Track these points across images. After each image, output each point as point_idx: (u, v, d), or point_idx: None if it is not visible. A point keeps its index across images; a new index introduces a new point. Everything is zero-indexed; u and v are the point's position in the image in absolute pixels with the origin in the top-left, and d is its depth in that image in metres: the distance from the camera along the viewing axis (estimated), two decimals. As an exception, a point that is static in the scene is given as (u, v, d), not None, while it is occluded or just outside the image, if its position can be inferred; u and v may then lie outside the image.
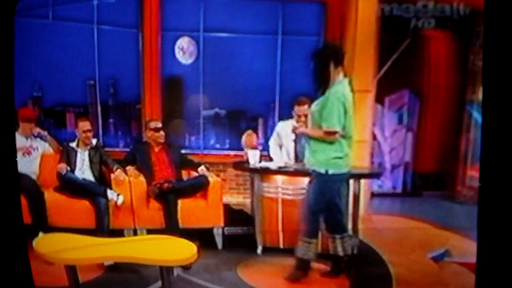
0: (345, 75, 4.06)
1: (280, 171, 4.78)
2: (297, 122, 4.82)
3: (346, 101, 3.94)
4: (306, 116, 4.63)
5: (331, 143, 3.94)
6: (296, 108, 4.93)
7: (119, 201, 4.64)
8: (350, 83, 4.07)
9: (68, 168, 4.86)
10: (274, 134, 5.32)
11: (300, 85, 6.23)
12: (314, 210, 4.13)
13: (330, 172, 3.97)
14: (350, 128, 4.02)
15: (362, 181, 5.13)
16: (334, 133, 3.90)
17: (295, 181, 4.74)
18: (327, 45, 4.25)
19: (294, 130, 4.44)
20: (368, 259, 4.78)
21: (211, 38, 6.43)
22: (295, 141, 5.03)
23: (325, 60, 3.98)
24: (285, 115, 5.74)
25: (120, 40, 6.25)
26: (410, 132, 7.63)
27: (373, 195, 6.77)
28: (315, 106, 4.06)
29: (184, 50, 6.42)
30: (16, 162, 2.44)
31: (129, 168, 5.01)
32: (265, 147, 5.73)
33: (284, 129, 5.15)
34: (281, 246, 4.77)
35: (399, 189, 7.59)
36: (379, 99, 7.18)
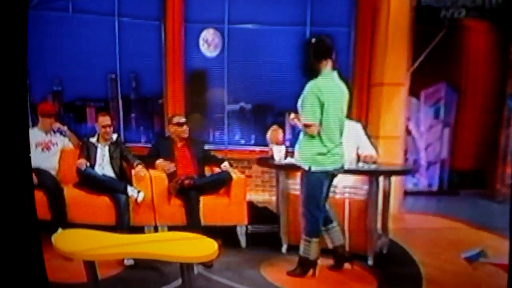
0: (333, 68, 4.06)
1: None
2: None
3: (321, 94, 3.94)
4: None
5: (313, 138, 4.01)
6: None
7: (140, 198, 4.73)
8: (340, 76, 4.10)
9: (88, 164, 4.96)
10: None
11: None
12: (306, 207, 4.18)
13: (313, 169, 4.05)
14: (330, 122, 4.03)
15: (394, 178, 5.17)
16: (310, 125, 3.98)
17: None
18: (313, 37, 4.26)
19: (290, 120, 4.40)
20: (398, 259, 4.81)
21: (236, 30, 6.54)
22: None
23: (312, 53, 4.02)
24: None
25: (142, 33, 6.39)
26: (447, 128, 7.63)
27: (407, 193, 6.76)
28: (300, 99, 4.11)
29: (209, 43, 6.52)
30: (29, 157, 2.51)
31: (160, 162, 5.08)
32: (292, 143, 5.79)
33: None
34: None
35: (435, 187, 7.61)
36: (414, 93, 7.21)
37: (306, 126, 4.02)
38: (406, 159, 7.14)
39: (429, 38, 6.34)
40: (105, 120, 5.14)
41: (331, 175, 4.18)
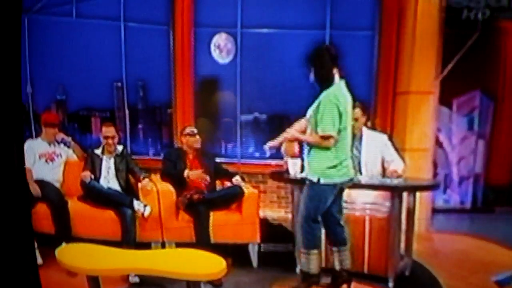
0: (341, 77, 4.39)
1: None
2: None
3: (340, 104, 4.24)
4: (356, 119, 4.95)
5: (326, 151, 4.30)
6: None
7: (146, 213, 5.03)
8: (347, 85, 4.42)
9: (92, 176, 5.27)
10: None
11: (351, 87, 6.54)
12: (305, 219, 4.44)
13: (322, 181, 4.32)
14: (345, 133, 4.34)
15: (420, 194, 5.39)
16: (329, 137, 4.24)
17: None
18: (325, 45, 4.61)
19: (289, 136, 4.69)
20: (421, 282, 5.00)
21: (250, 35, 6.77)
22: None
23: (327, 60, 4.35)
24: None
25: (149, 38, 6.69)
26: (482, 139, 7.73)
27: (435, 211, 6.92)
28: (311, 110, 4.41)
29: (221, 48, 6.78)
30: (23, 169, 2.81)
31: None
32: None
33: None
34: (323, 265, 4.87)
35: (468, 204, 7.72)
36: (446, 102, 7.35)
37: (324, 138, 4.25)
38: (436, 174, 7.29)
39: (461, 42, 6.47)
40: (108, 131, 5.45)
41: (340, 189, 4.46)
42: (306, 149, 4.55)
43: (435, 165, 7.31)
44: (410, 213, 5.12)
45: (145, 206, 5.06)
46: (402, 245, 5.10)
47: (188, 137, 5.55)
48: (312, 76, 4.39)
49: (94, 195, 5.20)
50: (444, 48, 6.51)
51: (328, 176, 4.32)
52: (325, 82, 4.33)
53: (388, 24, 6.75)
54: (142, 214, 5.04)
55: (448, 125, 7.70)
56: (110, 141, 5.45)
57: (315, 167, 4.36)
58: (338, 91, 4.30)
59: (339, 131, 4.26)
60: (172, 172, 5.43)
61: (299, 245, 4.61)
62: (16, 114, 2.59)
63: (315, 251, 4.52)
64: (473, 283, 4.90)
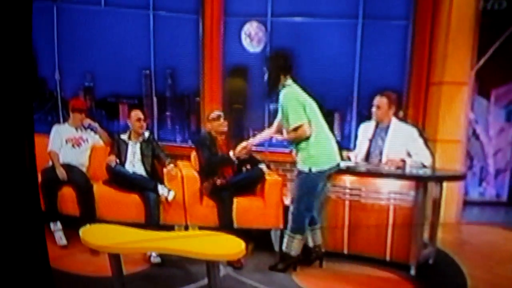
0: (294, 80, 4.90)
1: (349, 171, 5.21)
2: (372, 114, 5.45)
3: (298, 96, 4.79)
4: (378, 107, 5.39)
5: (307, 141, 4.77)
6: (377, 98, 5.43)
7: (170, 197, 5.33)
8: (293, 79, 4.90)
9: (118, 161, 5.60)
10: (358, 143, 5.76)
11: (383, 76, 6.69)
12: (298, 206, 4.88)
13: (313, 170, 4.78)
14: (318, 119, 4.86)
15: (450, 186, 5.57)
16: (299, 127, 4.72)
17: (366, 182, 5.18)
18: (275, 53, 5.04)
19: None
20: (444, 270, 5.19)
21: (281, 23, 6.91)
22: (371, 140, 5.48)
23: (275, 69, 4.86)
24: (365, 111, 6.21)
25: (179, 27, 6.87)
26: (520, 132, 7.74)
27: (469, 203, 7.02)
28: (279, 114, 4.95)
29: (252, 37, 6.94)
30: (34, 158, 3.02)
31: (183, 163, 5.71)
32: (341, 145, 6.22)
33: (363, 129, 5.63)
34: (345, 251, 5.27)
35: (504, 198, 7.79)
36: (484, 93, 7.43)
37: (296, 129, 4.73)
38: (471, 166, 7.40)
39: (499, 31, 6.54)
40: (137, 114, 5.77)
41: (328, 175, 4.93)
42: (293, 147, 4.94)
43: (470, 158, 7.41)
44: (436, 203, 5.31)
45: (169, 190, 5.36)
46: (427, 234, 5.32)
47: (213, 122, 5.79)
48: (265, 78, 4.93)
49: (119, 179, 5.52)
50: (481, 38, 6.57)
51: (317, 164, 4.78)
52: (272, 86, 4.90)
53: (423, 13, 6.79)
54: (166, 199, 5.33)
55: (485, 116, 7.73)
56: (141, 123, 5.76)
57: (304, 158, 4.82)
58: (292, 89, 4.83)
59: (309, 120, 4.76)
60: (211, 157, 5.67)
61: (287, 229, 5.01)
62: (27, 104, 2.81)
63: (299, 236, 4.96)
64: (499, 273, 5.04)
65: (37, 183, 3.06)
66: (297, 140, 4.80)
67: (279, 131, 5.11)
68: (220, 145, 5.81)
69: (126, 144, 5.75)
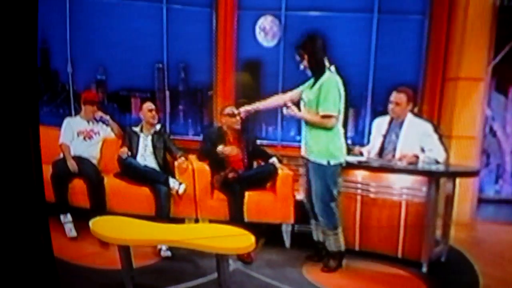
0: (330, 63, 4.85)
1: (361, 165, 5.24)
2: (389, 110, 5.44)
3: (340, 87, 4.79)
4: (397, 104, 5.35)
5: (329, 132, 4.77)
6: (393, 94, 5.42)
7: (181, 190, 5.40)
8: (337, 69, 4.86)
9: (129, 153, 5.67)
10: (372, 138, 5.76)
11: (398, 72, 6.71)
12: (327, 202, 4.88)
13: (332, 163, 4.80)
14: (342, 115, 4.88)
15: (464, 183, 5.58)
16: (331, 117, 4.72)
17: (378, 178, 5.21)
18: (317, 34, 5.02)
19: (286, 112, 5.04)
20: (456, 268, 5.22)
21: (295, 17, 6.97)
22: (385, 135, 5.49)
23: (321, 48, 4.84)
24: (380, 107, 6.24)
25: (192, 20, 6.95)
26: (539, 129, 7.73)
27: (485, 201, 7.03)
28: (308, 95, 4.88)
29: (266, 31, 7.01)
30: (39, 149, 3.04)
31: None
32: (355, 141, 6.25)
33: (377, 125, 5.64)
34: (357, 248, 5.30)
35: (521, 196, 7.71)
36: (501, 89, 7.42)
37: (326, 117, 4.73)
38: (488, 163, 7.40)
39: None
40: (149, 105, 5.88)
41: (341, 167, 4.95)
42: (305, 133, 4.95)
43: (487, 155, 7.42)
44: (449, 199, 5.34)
45: (180, 184, 5.43)
46: (439, 231, 5.35)
47: (228, 117, 5.84)
48: (305, 63, 4.84)
49: (130, 171, 5.60)
50: (498, 33, 6.60)
51: (336, 157, 4.82)
52: (319, 68, 4.81)
53: (439, 7, 6.82)
54: (177, 192, 5.40)
55: (503, 113, 7.73)
56: (152, 113, 5.86)
57: (321, 150, 4.81)
58: (336, 76, 4.81)
59: (339, 112, 4.77)
60: (210, 151, 5.73)
61: (325, 227, 4.98)
62: (31, 96, 2.85)
63: (340, 228, 4.97)
64: (511, 271, 5.08)
65: (42, 175, 3.10)
66: (317, 126, 4.81)
67: (292, 101, 5.06)
68: (230, 141, 5.87)
69: (138, 136, 5.84)
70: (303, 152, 4.99)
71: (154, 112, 5.87)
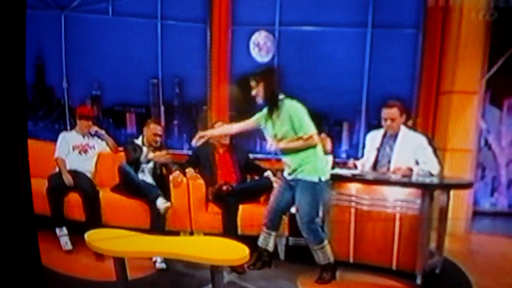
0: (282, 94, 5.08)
1: (355, 178, 5.34)
2: (384, 126, 5.55)
3: (302, 108, 4.98)
4: (392, 119, 5.44)
5: (313, 149, 4.95)
6: (384, 111, 5.52)
7: (161, 209, 5.46)
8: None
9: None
10: (365, 151, 5.85)
11: (391, 86, 6.82)
12: (311, 218, 5.00)
13: (323, 179, 4.95)
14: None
15: (460, 195, 5.69)
16: (312, 136, 4.91)
17: (372, 191, 5.28)
18: (270, 67, 5.30)
19: (270, 147, 5.22)
20: (451, 280, 5.31)
21: (289, 32, 7.08)
22: (379, 149, 5.59)
23: (272, 83, 5.08)
24: (374, 120, 6.35)
25: (186, 36, 7.05)
26: (534, 142, 7.80)
27: (481, 213, 7.11)
28: (277, 128, 5.05)
29: (260, 46, 7.09)
30: (27, 162, 3.12)
31: (189, 170, 5.83)
32: (349, 154, 6.35)
33: (371, 138, 5.74)
34: (351, 260, 5.38)
35: (516, 209, 7.76)
36: (496, 102, 7.50)
37: (309, 139, 4.91)
38: (483, 176, 7.48)
39: (509, 40, 6.71)
40: (157, 128, 6.03)
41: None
42: (290, 154, 5.05)
43: (482, 168, 7.51)
44: (443, 211, 5.41)
45: (165, 203, 5.50)
46: (434, 243, 5.42)
47: None
48: (258, 92, 5.07)
49: (127, 181, 5.69)
50: (492, 46, 6.71)
51: (325, 173, 4.99)
52: (273, 99, 5.04)
53: (433, 21, 6.94)
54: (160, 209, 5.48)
55: (497, 126, 7.78)
56: (157, 138, 6.00)
57: (311, 169, 4.95)
58: (293, 101, 5.03)
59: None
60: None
61: (311, 243, 5.07)
62: (19, 110, 2.93)
63: (326, 241, 5.08)
64: (507, 283, 5.15)
65: (30, 188, 3.17)
66: (302, 148, 4.93)
67: (242, 131, 5.39)
68: (220, 154, 6.06)
69: (141, 149, 5.91)
70: (288, 172, 5.11)
71: (158, 138, 6.02)
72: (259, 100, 5.07)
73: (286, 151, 5.04)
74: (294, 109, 4.94)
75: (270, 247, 5.31)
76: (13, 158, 2.94)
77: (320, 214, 5.22)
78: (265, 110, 5.09)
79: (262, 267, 5.31)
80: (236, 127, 5.42)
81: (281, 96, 5.01)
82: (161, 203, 5.49)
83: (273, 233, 5.29)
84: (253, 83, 5.07)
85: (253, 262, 5.21)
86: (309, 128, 4.91)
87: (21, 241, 3.10)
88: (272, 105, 5.02)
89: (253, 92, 5.06)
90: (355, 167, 5.63)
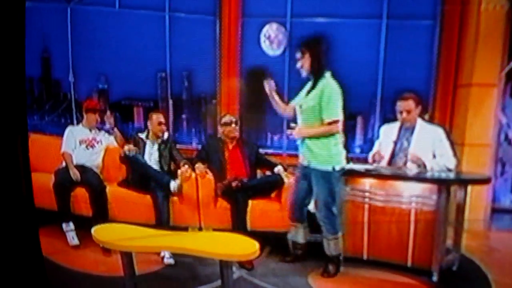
0: (328, 69, 5.07)
1: (370, 173, 5.37)
2: (399, 119, 5.62)
3: (339, 91, 5.03)
4: (408, 112, 5.52)
5: (331, 139, 5.02)
6: (399, 103, 5.59)
7: (172, 188, 5.64)
8: (333, 76, 5.09)
9: (136, 150, 5.94)
10: (378, 141, 5.93)
11: (407, 78, 6.82)
12: (330, 207, 5.14)
13: (337, 168, 5.06)
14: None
15: (479, 191, 5.76)
16: (337, 122, 4.98)
17: (386, 186, 5.32)
18: (321, 36, 5.22)
19: (289, 134, 5.30)
20: (468, 277, 5.35)
21: (302, 24, 7.08)
22: (396, 142, 5.64)
23: (322, 53, 5.07)
24: (390, 114, 6.37)
25: (195, 28, 7.09)
26: (555, 137, 7.81)
27: (501, 211, 7.12)
28: (306, 101, 5.10)
29: (271, 39, 7.12)
30: (28, 157, 3.19)
31: (198, 165, 5.90)
32: (364, 149, 6.39)
33: (386, 132, 5.81)
34: (365, 257, 5.43)
35: (537, 205, 7.77)
36: (517, 96, 7.52)
37: (332, 123, 4.98)
38: (503, 172, 7.48)
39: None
40: (159, 117, 6.13)
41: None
42: (307, 141, 5.15)
43: (502, 163, 7.52)
44: (460, 207, 5.43)
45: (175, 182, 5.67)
46: (450, 239, 5.44)
47: (225, 127, 6.13)
48: (304, 63, 5.08)
49: (136, 168, 5.86)
50: (512, 38, 6.70)
51: (339, 162, 5.07)
52: (319, 71, 5.05)
53: (451, 12, 6.92)
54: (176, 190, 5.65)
55: (518, 120, 7.81)
56: (161, 126, 6.12)
57: (326, 157, 5.05)
58: (334, 82, 5.03)
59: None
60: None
61: (326, 232, 5.22)
62: (19, 106, 3.01)
63: (340, 233, 5.23)
64: (526, 280, 5.17)
65: (31, 183, 3.25)
66: (324, 135, 5.01)
67: (288, 111, 5.46)
68: (229, 150, 6.14)
69: (144, 143, 6.07)
70: (303, 160, 5.22)
71: (163, 126, 6.14)
72: (303, 72, 5.13)
73: (304, 138, 5.13)
74: (329, 88, 5.00)
75: (300, 239, 5.47)
76: (13, 153, 3.00)
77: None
78: (308, 85, 5.19)
79: (294, 260, 5.49)
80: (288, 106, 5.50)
81: (327, 73, 5.05)
82: (173, 185, 5.64)
83: (300, 225, 5.45)
84: (298, 55, 5.12)
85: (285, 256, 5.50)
86: (336, 112, 4.98)
87: (22, 235, 3.16)
88: (314, 76, 5.09)
89: (298, 64, 5.12)
90: (381, 158, 5.68)
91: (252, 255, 4.19)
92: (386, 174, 5.40)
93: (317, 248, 5.40)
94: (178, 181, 5.68)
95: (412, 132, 5.55)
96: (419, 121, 5.56)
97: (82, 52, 6.91)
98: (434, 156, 5.40)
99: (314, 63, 5.03)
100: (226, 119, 6.18)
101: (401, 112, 5.57)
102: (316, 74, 5.06)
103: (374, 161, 5.68)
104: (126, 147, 5.93)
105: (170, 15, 7.07)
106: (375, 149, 5.82)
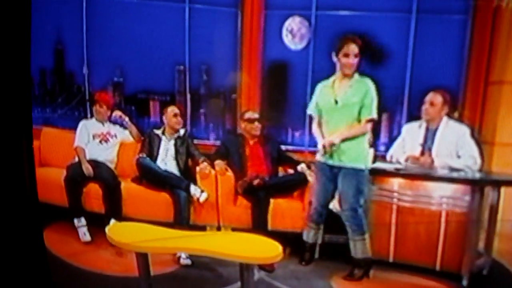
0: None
1: (398, 173, 5.29)
2: (422, 112, 5.56)
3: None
4: (431, 104, 5.49)
5: (362, 138, 5.05)
6: (430, 94, 5.54)
7: (202, 198, 5.51)
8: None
9: (148, 156, 5.84)
10: (400, 139, 5.84)
11: (437, 75, 6.71)
12: (356, 207, 5.08)
13: (368, 166, 5.08)
14: None
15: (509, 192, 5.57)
16: (373, 120, 5.07)
17: (415, 186, 5.24)
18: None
19: (330, 143, 5.09)
20: (499, 282, 5.27)
21: (326, 17, 6.95)
22: (423, 145, 5.54)
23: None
24: (417, 111, 6.24)
25: (216, 21, 6.99)
26: None
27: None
28: (346, 93, 5.08)
29: (294, 33, 7.00)
30: (32, 154, 3.12)
31: (218, 162, 5.81)
32: (389, 147, 6.25)
33: (410, 131, 5.73)
34: (391, 259, 5.33)
35: None
36: (553, 95, 7.37)
37: (370, 121, 5.07)
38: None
39: None
40: (174, 109, 6.06)
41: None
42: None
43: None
44: (493, 209, 5.30)
45: (202, 191, 5.53)
46: (482, 242, 5.33)
47: (247, 123, 6.05)
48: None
49: (150, 175, 5.72)
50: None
51: (368, 161, 5.13)
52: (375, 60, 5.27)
53: (484, 6, 6.76)
54: (198, 200, 5.50)
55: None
56: (177, 118, 6.04)
57: (360, 155, 5.05)
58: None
59: None
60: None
61: (353, 233, 5.13)
62: (23, 102, 2.94)
63: (368, 234, 5.13)
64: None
65: (35, 178, 3.18)
66: (362, 133, 5.05)
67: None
68: (251, 146, 6.04)
69: (160, 140, 5.98)
70: (328, 159, 5.14)
71: (179, 117, 6.05)
72: (348, 70, 5.10)
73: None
74: (370, 85, 5.06)
75: (310, 240, 5.44)
76: (18, 149, 2.93)
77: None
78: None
79: (308, 262, 5.43)
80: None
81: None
82: (196, 190, 5.55)
83: (316, 227, 5.40)
84: (356, 50, 5.11)
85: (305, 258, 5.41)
86: (374, 110, 5.02)
87: (26, 232, 3.10)
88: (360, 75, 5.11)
89: (354, 61, 5.09)
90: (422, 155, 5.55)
91: (275, 258, 4.11)
92: (417, 174, 5.29)
93: (339, 250, 5.35)
94: (205, 194, 5.57)
95: (435, 130, 5.49)
96: (445, 119, 5.49)
97: (97, 44, 6.82)
98: (458, 156, 5.34)
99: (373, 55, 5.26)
100: (249, 115, 6.10)
101: (424, 103, 5.54)
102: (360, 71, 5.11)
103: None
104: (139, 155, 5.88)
105: (190, 6, 6.96)
106: (396, 147, 5.79)
